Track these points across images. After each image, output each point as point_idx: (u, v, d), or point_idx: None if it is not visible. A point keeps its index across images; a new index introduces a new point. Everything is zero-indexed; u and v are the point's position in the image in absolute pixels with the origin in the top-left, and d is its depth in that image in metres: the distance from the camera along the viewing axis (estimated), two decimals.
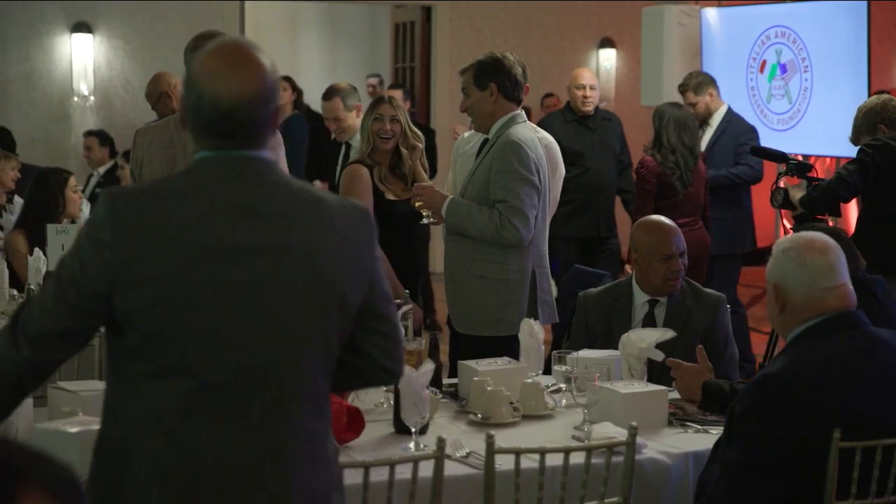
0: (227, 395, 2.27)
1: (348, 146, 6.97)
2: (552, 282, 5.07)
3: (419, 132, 5.51)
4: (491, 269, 4.73)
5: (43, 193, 6.31)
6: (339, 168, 7.06)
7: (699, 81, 7.63)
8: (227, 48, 2.34)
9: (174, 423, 2.26)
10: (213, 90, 2.29)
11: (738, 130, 7.46)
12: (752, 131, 7.56)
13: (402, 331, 2.53)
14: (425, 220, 4.93)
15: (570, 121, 7.68)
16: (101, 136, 9.70)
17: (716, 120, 7.53)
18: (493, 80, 4.82)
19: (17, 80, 10.81)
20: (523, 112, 4.93)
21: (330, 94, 6.84)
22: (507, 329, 4.66)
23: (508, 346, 4.50)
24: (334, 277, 2.34)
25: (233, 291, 2.26)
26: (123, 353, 2.30)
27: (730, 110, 7.63)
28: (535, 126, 5.39)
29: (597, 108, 7.78)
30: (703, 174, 6.98)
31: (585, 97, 7.62)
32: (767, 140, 7.75)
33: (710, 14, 9.54)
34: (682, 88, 7.75)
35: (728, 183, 7.29)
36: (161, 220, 2.26)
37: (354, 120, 6.76)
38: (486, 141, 4.90)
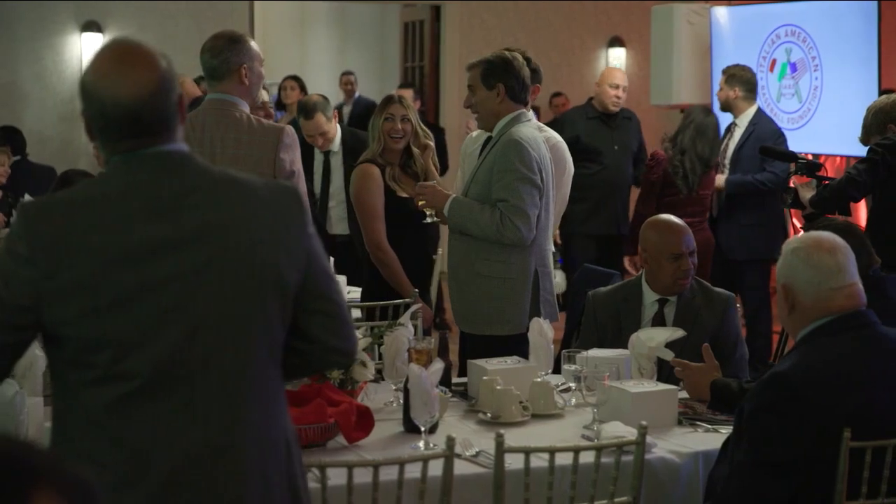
0: (169, 392, 2.25)
1: (327, 154, 6.87)
2: (563, 277, 5.07)
3: (429, 131, 5.51)
4: (494, 267, 4.73)
5: None
6: (320, 177, 6.92)
7: (732, 74, 7.51)
8: (115, 51, 2.33)
9: (118, 426, 2.24)
10: (113, 94, 2.27)
11: (764, 134, 7.28)
12: (779, 135, 7.36)
13: (347, 308, 2.49)
14: (428, 220, 4.94)
15: (591, 118, 7.68)
16: None
17: (743, 121, 7.39)
18: (501, 81, 4.81)
19: (27, 79, 10.84)
20: (529, 111, 4.92)
21: (310, 111, 6.71)
22: (510, 328, 4.66)
23: (512, 345, 4.50)
24: (266, 259, 2.32)
25: (161, 289, 2.24)
26: (60, 363, 2.29)
27: (758, 112, 7.47)
28: (541, 125, 5.40)
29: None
30: (712, 181, 6.99)
31: (618, 97, 7.63)
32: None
33: (720, 13, 9.53)
34: (723, 71, 7.70)
35: (752, 189, 7.14)
36: (77, 227, 2.24)
37: (335, 127, 6.77)
38: (489, 139, 4.90)
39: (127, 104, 2.27)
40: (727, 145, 7.39)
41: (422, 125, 5.47)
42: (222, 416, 2.29)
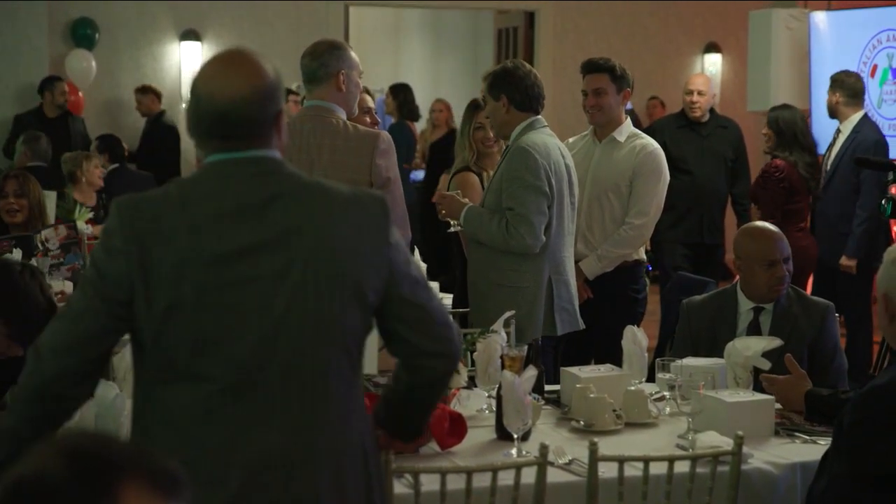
0: (248, 395, 2.29)
1: None
2: (568, 290, 4.97)
3: None
4: (507, 276, 4.76)
5: None
6: None
7: (835, 79, 7.38)
8: (226, 54, 2.42)
9: (198, 428, 2.28)
10: (209, 91, 2.35)
11: (865, 142, 7.10)
12: (880, 144, 7.15)
13: (442, 311, 2.51)
14: (452, 229, 4.98)
15: (680, 126, 7.62)
16: None
17: (847, 128, 7.23)
18: (504, 92, 4.85)
19: (127, 87, 11.05)
20: (542, 118, 4.91)
21: None
22: (523, 337, 4.60)
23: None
24: (347, 266, 2.35)
25: (243, 290, 2.29)
26: (143, 361, 2.34)
27: (863, 119, 7.27)
28: (637, 131, 5.40)
29: (714, 115, 7.72)
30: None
31: (692, 102, 7.57)
32: None
33: (819, 18, 9.38)
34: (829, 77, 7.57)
35: (868, 231, 6.95)
36: (168, 225, 2.29)
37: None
38: (507, 148, 4.92)
39: (218, 103, 2.33)
40: (830, 152, 7.26)
41: None
42: (301, 419, 2.32)
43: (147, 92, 10.57)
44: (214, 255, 2.28)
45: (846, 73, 7.48)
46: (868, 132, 7.24)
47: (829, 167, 7.15)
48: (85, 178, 7.82)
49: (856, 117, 7.27)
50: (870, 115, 8.59)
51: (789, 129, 6.81)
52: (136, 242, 2.28)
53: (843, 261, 6.95)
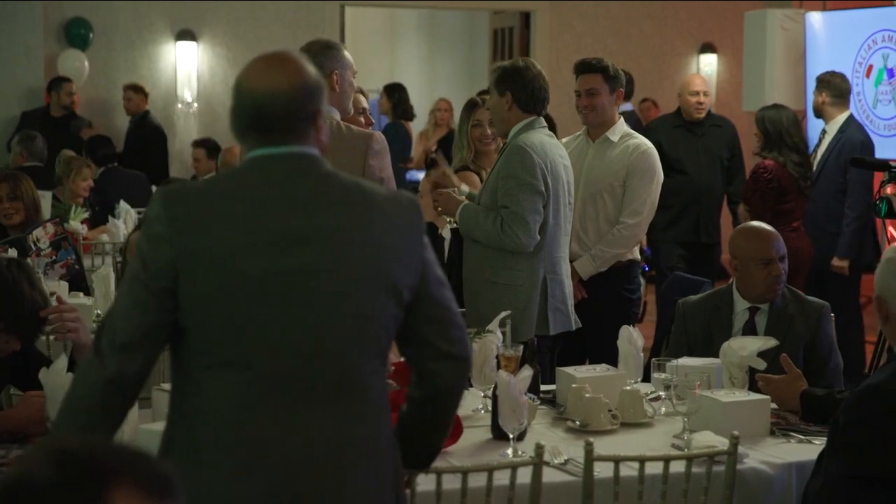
0: (288, 385, 2.32)
1: None
2: (564, 289, 4.97)
3: None
4: (501, 274, 4.77)
5: None
6: None
7: (821, 79, 7.42)
8: (269, 54, 2.47)
9: (238, 415, 2.30)
10: (250, 86, 2.40)
11: (851, 142, 7.12)
12: (866, 145, 7.18)
13: (460, 315, 2.55)
14: (449, 226, 4.98)
15: (676, 126, 7.62)
16: (208, 148, 9.77)
17: (833, 128, 7.26)
18: (509, 89, 4.84)
19: (122, 86, 11.03)
20: (542, 119, 4.91)
21: None
22: (517, 336, 4.60)
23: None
24: (386, 264, 2.40)
25: (287, 280, 2.32)
26: (183, 347, 2.36)
27: (848, 120, 7.29)
28: (630, 131, 5.40)
29: (709, 114, 7.73)
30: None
31: (700, 103, 7.58)
32: (875, 147, 7.55)
33: (815, 18, 9.38)
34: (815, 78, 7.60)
35: (856, 231, 6.98)
36: (213, 213, 2.34)
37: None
38: (504, 147, 4.92)
39: (257, 96, 2.39)
40: (816, 152, 7.28)
41: None
42: (340, 412, 2.35)
43: (139, 90, 10.56)
44: (261, 245, 2.32)
45: (832, 73, 7.50)
46: (853, 132, 7.26)
47: (815, 168, 7.16)
48: (69, 187, 7.79)
49: (841, 118, 7.29)
50: (865, 115, 8.62)
51: (775, 128, 6.79)
52: (180, 229, 2.32)
53: (835, 262, 6.95)
